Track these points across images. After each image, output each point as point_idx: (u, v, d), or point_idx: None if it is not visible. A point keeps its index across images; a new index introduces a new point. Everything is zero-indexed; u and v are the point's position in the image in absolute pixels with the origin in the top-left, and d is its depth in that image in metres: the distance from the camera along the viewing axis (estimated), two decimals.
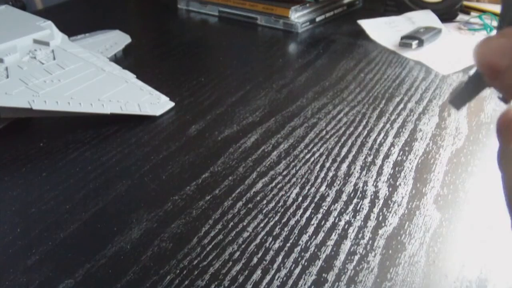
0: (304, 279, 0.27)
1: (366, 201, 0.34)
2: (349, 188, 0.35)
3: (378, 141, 0.41)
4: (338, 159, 0.38)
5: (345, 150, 0.40)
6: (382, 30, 0.65)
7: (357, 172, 0.37)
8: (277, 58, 0.59)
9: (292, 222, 0.32)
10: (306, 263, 0.28)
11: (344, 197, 0.34)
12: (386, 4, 0.74)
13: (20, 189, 0.35)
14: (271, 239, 0.30)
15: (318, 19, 0.71)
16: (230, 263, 0.28)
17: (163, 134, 0.43)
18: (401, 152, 0.39)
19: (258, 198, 0.34)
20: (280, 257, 0.29)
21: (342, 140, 0.41)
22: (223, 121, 0.45)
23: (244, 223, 0.32)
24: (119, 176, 0.37)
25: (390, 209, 0.33)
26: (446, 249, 0.29)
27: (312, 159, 0.38)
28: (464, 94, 0.20)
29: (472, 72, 0.19)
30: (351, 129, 0.43)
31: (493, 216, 0.32)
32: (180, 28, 0.73)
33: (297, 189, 0.35)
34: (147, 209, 0.33)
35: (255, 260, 0.29)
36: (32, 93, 0.40)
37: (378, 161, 0.38)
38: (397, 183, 0.35)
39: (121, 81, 0.47)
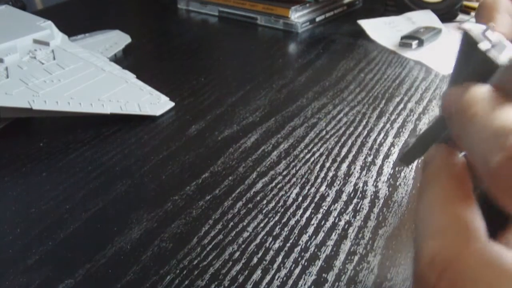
0: (304, 279, 0.27)
1: (366, 201, 0.34)
2: (349, 188, 0.35)
3: (378, 141, 0.41)
4: (338, 159, 0.38)
5: (345, 150, 0.40)
6: (382, 30, 0.65)
7: (357, 172, 0.37)
8: (277, 58, 0.59)
9: (292, 222, 0.32)
10: (306, 263, 0.28)
11: (344, 197, 0.34)
12: (386, 4, 0.74)
13: (20, 189, 0.35)
14: (271, 239, 0.30)
15: (318, 19, 0.71)
16: (230, 263, 0.28)
17: (163, 134, 0.43)
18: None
19: (258, 198, 0.34)
20: (280, 257, 0.29)
21: (342, 140, 0.41)
22: (223, 121, 0.45)
23: (244, 223, 0.32)
24: (119, 176, 0.37)
25: (390, 209, 0.33)
26: None
27: (312, 159, 0.38)
28: (416, 149, 0.21)
29: (432, 121, 0.20)
30: (351, 129, 0.43)
31: None
32: (180, 28, 0.73)
33: (297, 189, 0.35)
34: (147, 209, 0.33)
35: (255, 260, 0.29)
36: (32, 93, 0.40)
37: (378, 161, 0.38)
38: (397, 183, 0.35)
39: (121, 81, 0.47)
